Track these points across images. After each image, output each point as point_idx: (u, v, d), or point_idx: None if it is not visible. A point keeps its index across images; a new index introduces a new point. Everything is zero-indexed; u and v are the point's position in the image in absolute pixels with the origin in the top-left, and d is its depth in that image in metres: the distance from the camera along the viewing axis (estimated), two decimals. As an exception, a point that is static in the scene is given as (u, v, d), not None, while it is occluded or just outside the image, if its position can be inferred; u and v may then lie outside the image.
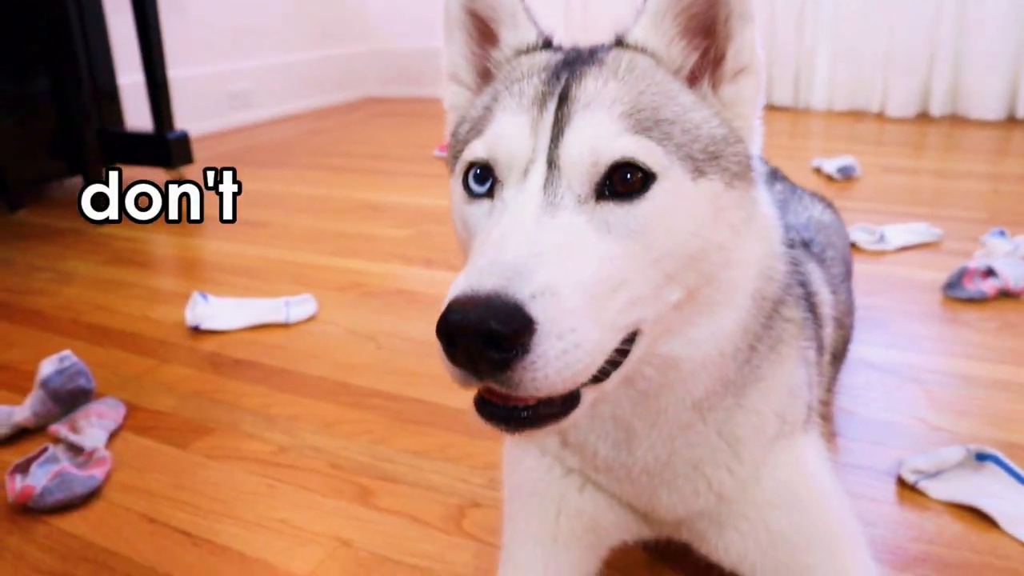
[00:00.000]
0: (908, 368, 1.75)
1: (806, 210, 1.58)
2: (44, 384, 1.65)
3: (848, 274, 1.62)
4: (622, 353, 0.75)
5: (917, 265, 2.37)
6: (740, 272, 0.84)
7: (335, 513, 1.37)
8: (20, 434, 1.63)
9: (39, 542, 1.32)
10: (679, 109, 0.81)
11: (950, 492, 1.32)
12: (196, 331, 2.12)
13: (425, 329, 2.06)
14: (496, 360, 0.65)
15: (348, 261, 2.65)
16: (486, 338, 0.64)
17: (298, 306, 2.21)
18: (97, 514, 1.39)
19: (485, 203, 0.82)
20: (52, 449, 1.48)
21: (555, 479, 1.03)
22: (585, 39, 0.94)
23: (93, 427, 1.61)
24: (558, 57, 0.88)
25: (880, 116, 4.65)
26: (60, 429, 1.59)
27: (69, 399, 1.68)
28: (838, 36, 4.74)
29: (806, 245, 1.32)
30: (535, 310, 0.65)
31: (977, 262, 2.17)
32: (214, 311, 2.18)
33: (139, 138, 3.67)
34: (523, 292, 0.65)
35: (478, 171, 0.82)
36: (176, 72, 3.82)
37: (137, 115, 3.87)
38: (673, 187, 0.77)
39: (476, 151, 0.82)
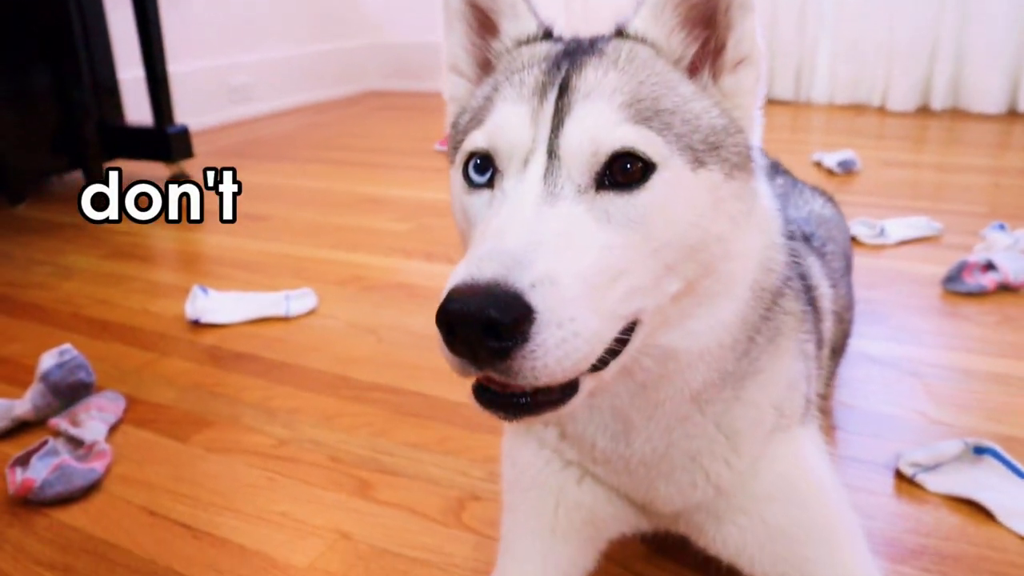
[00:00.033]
0: (907, 361, 1.76)
1: (807, 204, 1.57)
2: (44, 378, 1.65)
3: (848, 269, 1.62)
4: (621, 342, 0.75)
5: (917, 259, 2.37)
6: (739, 264, 0.84)
7: (335, 506, 1.37)
8: (20, 427, 1.64)
9: (39, 534, 1.33)
10: (679, 99, 0.81)
11: (948, 485, 1.32)
12: (196, 325, 2.12)
13: (425, 323, 2.06)
14: (495, 349, 0.65)
15: (348, 255, 2.65)
16: (485, 326, 0.64)
17: (298, 300, 2.21)
18: (97, 507, 1.40)
19: (485, 193, 0.82)
20: (52, 442, 1.49)
21: (553, 471, 1.03)
22: (586, 30, 0.93)
23: (93, 420, 1.62)
24: (558, 48, 0.88)
25: (881, 110, 4.64)
26: (60, 422, 1.60)
27: (69, 392, 1.68)
28: (839, 30, 4.73)
29: (807, 239, 1.31)
30: (534, 299, 0.65)
31: (977, 256, 2.17)
32: (214, 305, 2.18)
33: (139, 132, 3.67)
34: (523, 281, 0.65)
35: (478, 161, 0.82)
36: (176, 66, 3.82)
37: (137, 109, 3.87)
38: (673, 177, 0.76)
39: (476, 141, 0.82)
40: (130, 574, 1.23)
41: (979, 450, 1.36)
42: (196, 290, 2.21)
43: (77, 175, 3.68)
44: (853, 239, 2.27)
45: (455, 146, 0.90)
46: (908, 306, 2.05)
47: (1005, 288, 2.09)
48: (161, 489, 1.44)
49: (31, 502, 1.39)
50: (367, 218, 3.06)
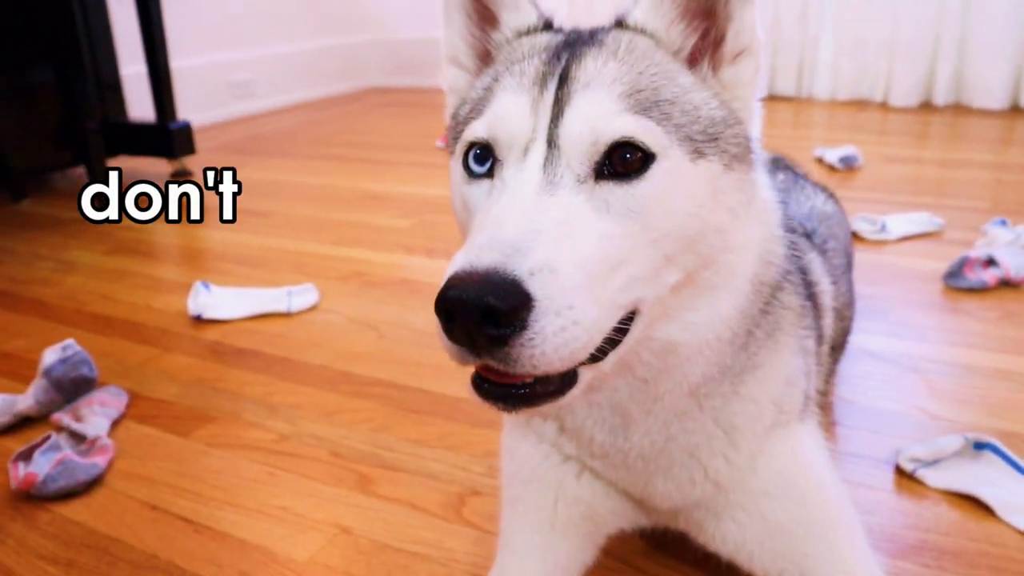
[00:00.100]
0: (908, 357, 1.75)
1: (808, 200, 1.57)
2: (47, 373, 1.66)
3: (849, 265, 1.62)
4: (620, 333, 0.75)
5: (918, 255, 2.37)
6: (739, 256, 0.84)
7: (335, 501, 1.38)
8: (23, 422, 1.64)
9: (42, 529, 1.33)
10: (678, 90, 0.81)
11: (948, 480, 1.32)
12: (198, 320, 2.12)
13: (426, 318, 2.06)
14: (494, 336, 0.65)
15: (350, 251, 2.65)
16: (484, 314, 0.64)
17: (300, 295, 2.22)
18: (99, 501, 1.40)
19: (485, 183, 0.82)
20: (55, 437, 1.49)
21: (552, 466, 1.03)
22: (586, 21, 0.94)
23: (96, 415, 1.62)
24: (559, 38, 0.88)
25: (883, 105, 4.63)
26: (63, 417, 1.60)
27: (72, 388, 1.69)
28: (842, 25, 4.72)
29: (808, 236, 1.31)
30: (533, 287, 0.65)
31: (978, 251, 2.17)
32: (216, 300, 2.19)
33: (142, 128, 3.68)
34: (521, 269, 0.65)
35: (478, 151, 0.83)
36: (178, 62, 3.82)
37: (140, 106, 3.88)
38: (672, 167, 0.77)
39: (476, 131, 0.82)
40: (132, 568, 1.23)
41: (979, 446, 1.36)
42: (198, 286, 2.21)
43: (80, 171, 3.69)
44: (854, 235, 2.27)
45: (455, 137, 0.90)
46: (909, 302, 2.05)
47: (1006, 284, 2.09)
48: (163, 484, 1.44)
49: (34, 497, 1.39)
50: (369, 214, 3.06)
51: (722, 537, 0.99)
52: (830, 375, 1.45)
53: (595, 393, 0.89)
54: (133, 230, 2.98)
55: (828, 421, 1.50)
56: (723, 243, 0.81)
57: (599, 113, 0.76)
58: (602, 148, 0.76)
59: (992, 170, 3.29)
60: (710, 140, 0.80)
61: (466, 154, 0.84)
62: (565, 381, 0.73)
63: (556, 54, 0.83)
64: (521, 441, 1.06)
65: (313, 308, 2.19)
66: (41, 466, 1.40)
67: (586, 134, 0.75)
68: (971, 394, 1.60)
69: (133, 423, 1.65)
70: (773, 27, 4.80)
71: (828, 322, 1.23)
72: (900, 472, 1.36)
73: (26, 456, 1.44)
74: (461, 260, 0.67)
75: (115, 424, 1.64)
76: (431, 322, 0.68)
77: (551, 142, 0.76)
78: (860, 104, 4.71)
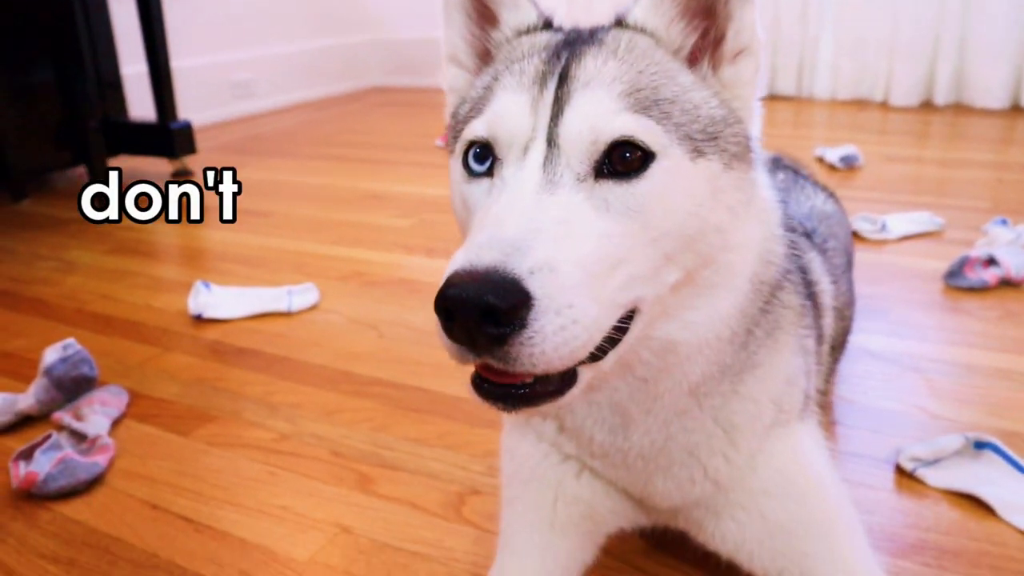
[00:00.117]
0: (908, 356, 1.75)
1: (808, 200, 1.57)
2: (48, 372, 1.66)
3: (850, 265, 1.61)
4: (620, 331, 0.75)
5: (919, 254, 2.37)
6: (738, 255, 0.83)
7: (336, 500, 1.38)
8: (24, 421, 1.65)
9: (43, 528, 1.33)
10: (678, 89, 0.81)
11: (948, 480, 1.32)
12: (199, 320, 2.12)
13: (426, 318, 2.05)
14: (493, 335, 0.65)
15: (350, 250, 2.66)
16: (483, 312, 0.64)
17: (300, 295, 2.22)
18: (100, 500, 1.40)
19: (484, 182, 0.82)
20: (56, 436, 1.49)
21: (552, 465, 1.03)
22: (586, 20, 0.94)
23: (96, 414, 1.62)
24: (558, 37, 0.88)
25: (884, 105, 4.63)
26: (64, 416, 1.60)
27: (72, 387, 1.69)
28: (842, 25, 4.72)
29: (808, 235, 1.31)
30: (533, 285, 0.65)
31: (979, 251, 2.17)
32: (216, 300, 2.19)
33: (142, 128, 3.68)
34: (521, 267, 0.65)
35: (478, 150, 0.83)
36: (179, 62, 3.83)
37: (140, 105, 3.88)
38: (672, 166, 0.77)
39: (476, 130, 0.82)
40: (132, 567, 1.23)
41: (979, 445, 1.36)
42: (199, 285, 2.21)
43: (80, 171, 3.69)
44: (855, 234, 2.26)
45: (455, 136, 0.90)
46: (909, 301, 2.05)
47: (1007, 283, 2.09)
48: (163, 483, 1.44)
49: (34, 496, 1.39)
50: (369, 214, 3.06)
51: (722, 536, 0.99)
52: (830, 374, 1.45)
53: (595, 392, 0.89)
54: (133, 230, 2.98)
55: (828, 420, 1.50)
56: (723, 242, 0.81)
57: (599, 112, 0.76)
58: (602, 147, 0.76)
59: (992, 169, 3.29)
60: (710, 139, 0.80)
61: (466, 153, 0.84)
62: (565, 381, 0.73)
63: (556, 53, 0.83)
64: (521, 440, 1.06)
65: (313, 308, 2.19)
66: (42, 465, 1.40)
67: (586, 133, 0.75)
68: (971, 393, 1.60)
69: (134, 422, 1.66)
70: (773, 27, 4.80)
71: (828, 321, 1.23)
72: (900, 471, 1.36)
73: (27, 455, 1.44)
74: (461, 259, 0.67)
75: (116, 423, 1.64)
76: (431, 321, 0.68)
77: (551, 141, 0.76)
78: (860, 104, 4.71)
